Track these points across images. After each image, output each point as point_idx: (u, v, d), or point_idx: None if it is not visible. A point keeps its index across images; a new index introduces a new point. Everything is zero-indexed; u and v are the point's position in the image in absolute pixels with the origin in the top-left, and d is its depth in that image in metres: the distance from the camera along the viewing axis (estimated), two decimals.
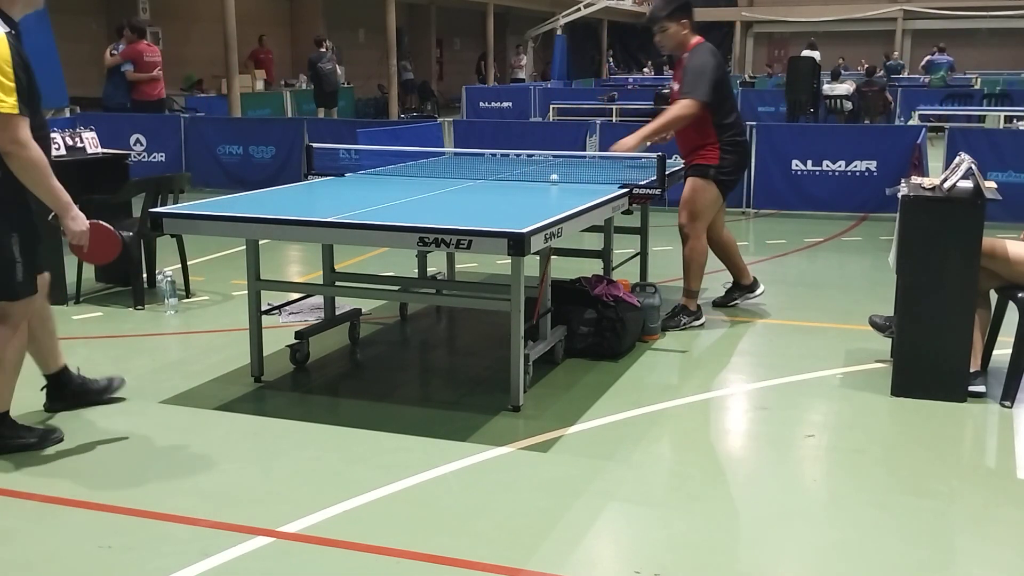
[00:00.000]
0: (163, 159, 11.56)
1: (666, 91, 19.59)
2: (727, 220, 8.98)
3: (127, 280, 6.31)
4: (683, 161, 5.84)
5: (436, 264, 6.42)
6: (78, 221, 3.79)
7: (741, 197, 9.40)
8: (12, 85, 3.51)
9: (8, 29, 3.64)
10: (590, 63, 35.15)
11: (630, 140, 5.52)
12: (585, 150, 9.92)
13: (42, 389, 4.36)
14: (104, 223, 4.07)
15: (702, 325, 5.73)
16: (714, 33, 37.36)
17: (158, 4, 18.29)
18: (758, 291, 6.19)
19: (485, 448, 3.93)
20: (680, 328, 5.64)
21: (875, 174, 9.55)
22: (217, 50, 17.08)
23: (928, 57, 23.92)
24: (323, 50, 16.96)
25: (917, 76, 24.47)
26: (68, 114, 10.66)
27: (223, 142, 11.53)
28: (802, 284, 6.98)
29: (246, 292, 4.76)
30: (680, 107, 5.48)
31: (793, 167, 9.81)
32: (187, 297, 6.34)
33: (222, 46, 15.48)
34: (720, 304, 6.17)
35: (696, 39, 5.66)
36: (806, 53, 17.61)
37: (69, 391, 4.36)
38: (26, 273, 3.77)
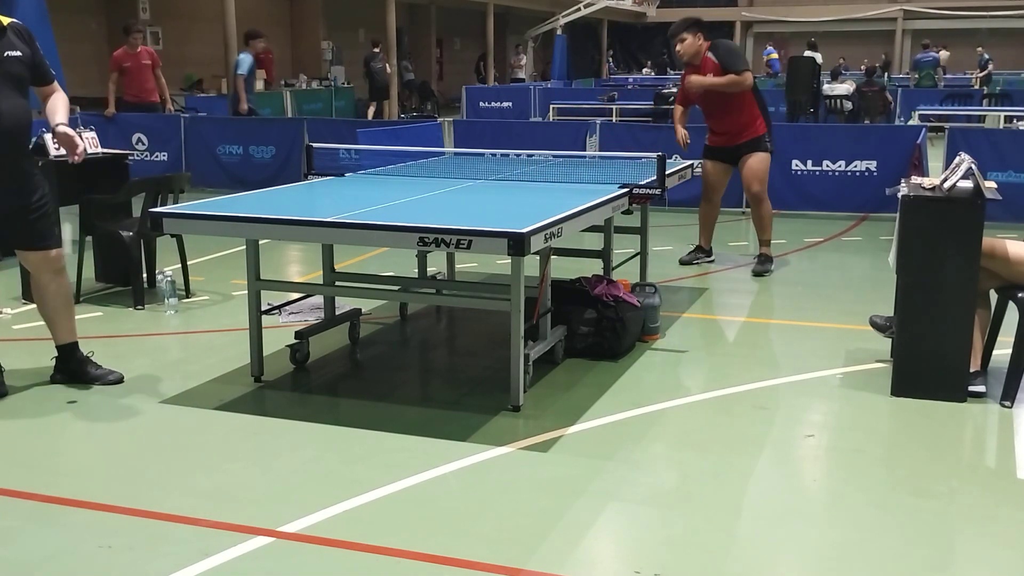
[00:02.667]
0: (165, 158, 11.57)
1: (667, 91, 19.70)
2: (726, 219, 8.99)
3: (127, 280, 6.31)
4: (712, 142, 7.11)
5: (436, 264, 6.42)
6: None
7: (741, 197, 9.40)
8: None
9: None
10: (590, 63, 35.14)
11: (698, 81, 6.84)
12: (585, 150, 9.91)
13: (52, 359, 4.71)
14: None
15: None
16: (714, 33, 37.25)
17: (158, 4, 18.30)
18: (711, 258, 7.48)
19: (485, 448, 3.93)
20: (770, 274, 7.05)
21: (875, 174, 9.54)
22: (217, 50, 17.09)
23: (918, 55, 24.00)
24: (376, 50, 19.67)
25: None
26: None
27: (223, 142, 11.53)
28: (802, 284, 6.98)
29: (246, 292, 4.76)
30: (744, 79, 6.78)
31: (793, 167, 9.80)
32: (187, 297, 6.34)
33: (222, 46, 15.50)
34: (685, 262, 7.40)
35: (707, 42, 6.96)
36: (807, 54, 17.68)
37: (67, 368, 4.70)
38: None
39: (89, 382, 4.64)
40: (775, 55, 28.04)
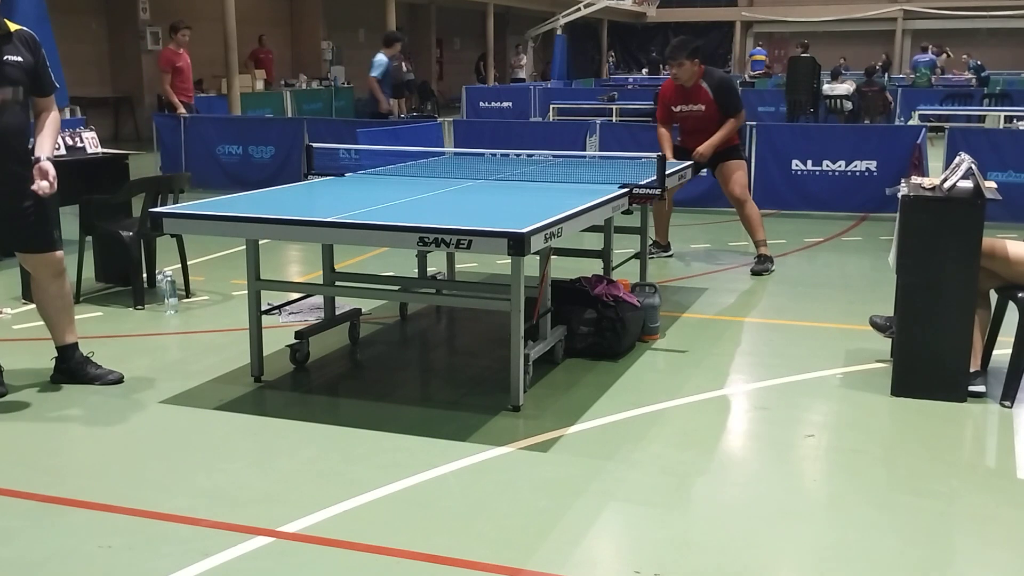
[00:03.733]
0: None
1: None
2: (726, 219, 8.99)
3: (127, 280, 6.31)
4: (684, 145, 7.17)
5: (436, 264, 6.42)
6: None
7: None
8: None
9: None
10: (590, 63, 35.14)
11: (708, 148, 7.03)
12: (585, 150, 9.91)
13: (52, 359, 4.70)
14: None
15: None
16: (714, 33, 37.44)
17: (158, 4, 18.28)
18: (668, 253, 7.76)
19: (485, 448, 3.93)
20: (770, 273, 7.12)
21: (875, 174, 9.54)
22: (217, 50, 17.07)
23: (916, 56, 24.07)
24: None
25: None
26: (68, 115, 10.65)
27: (223, 142, 11.52)
28: (802, 284, 6.98)
29: (246, 292, 4.76)
30: (740, 120, 7.20)
31: (793, 167, 9.80)
32: (187, 297, 6.34)
33: (222, 46, 15.50)
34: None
35: (702, 68, 7.13)
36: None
37: (67, 368, 4.70)
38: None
39: (89, 382, 4.65)
40: (760, 56, 28.05)
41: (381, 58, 12.07)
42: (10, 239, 4.62)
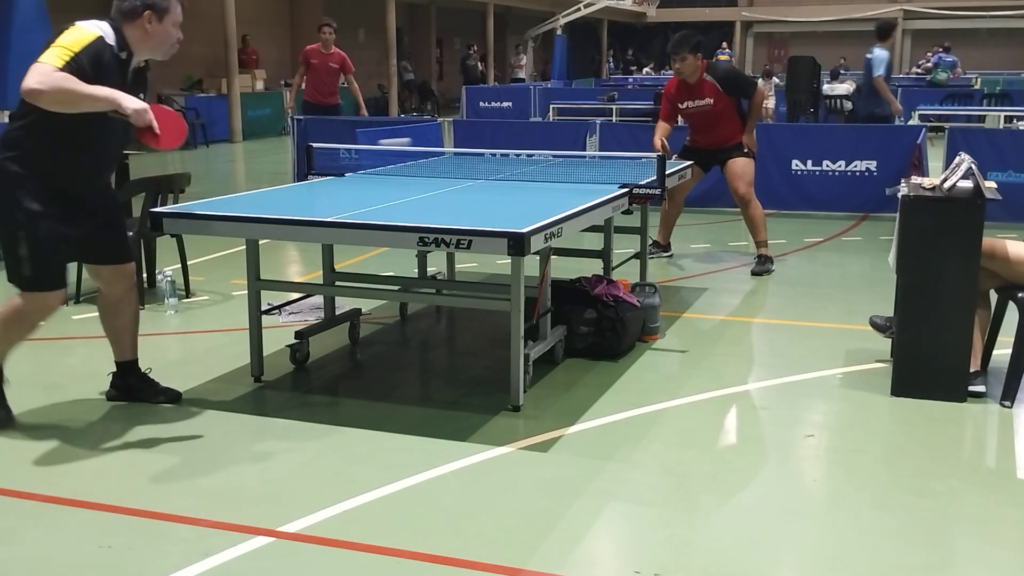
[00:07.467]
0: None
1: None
2: (726, 219, 9.01)
3: None
4: (693, 144, 7.31)
5: (436, 264, 6.42)
6: (132, 102, 3.75)
7: None
8: (67, 59, 3.64)
9: (107, 40, 3.80)
10: (590, 63, 35.17)
11: (750, 138, 7.17)
12: (585, 150, 9.91)
13: (108, 375, 4.48)
14: (163, 106, 4.07)
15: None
16: (714, 33, 37.43)
17: None
18: (668, 253, 7.73)
19: (485, 448, 3.93)
20: (770, 273, 7.09)
21: (875, 174, 9.55)
22: (217, 50, 17.10)
23: (940, 54, 24.03)
24: (471, 52, 23.08)
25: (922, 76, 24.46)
26: None
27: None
28: (802, 284, 6.98)
29: (246, 292, 4.76)
30: (759, 95, 7.24)
31: (793, 167, 9.80)
32: (187, 297, 6.34)
33: (222, 46, 15.52)
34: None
35: (704, 63, 7.15)
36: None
37: (125, 384, 4.46)
38: (35, 270, 3.95)
39: (145, 400, 4.43)
40: (724, 57, 28.08)
41: (882, 53, 10.35)
42: (104, 250, 4.26)
